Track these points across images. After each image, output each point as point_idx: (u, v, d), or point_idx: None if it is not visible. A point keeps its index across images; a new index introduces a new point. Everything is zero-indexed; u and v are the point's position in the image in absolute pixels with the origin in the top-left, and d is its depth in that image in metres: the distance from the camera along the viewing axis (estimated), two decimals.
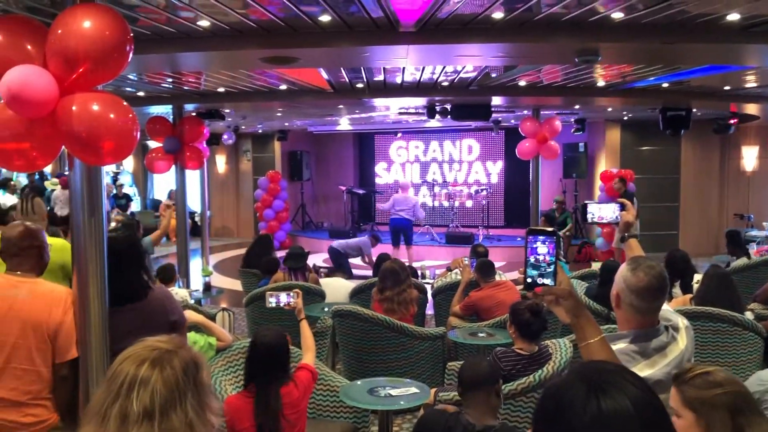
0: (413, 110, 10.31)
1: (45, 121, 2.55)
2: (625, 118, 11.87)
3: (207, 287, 8.12)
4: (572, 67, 6.37)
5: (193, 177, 8.80)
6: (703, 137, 12.00)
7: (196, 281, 8.60)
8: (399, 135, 15.17)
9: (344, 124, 13.43)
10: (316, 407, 3.89)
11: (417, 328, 4.99)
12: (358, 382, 3.89)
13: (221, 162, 15.87)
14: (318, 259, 10.95)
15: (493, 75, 7.22)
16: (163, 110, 8.87)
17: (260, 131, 14.72)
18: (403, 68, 6.65)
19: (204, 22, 4.57)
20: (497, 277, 5.67)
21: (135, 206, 14.63)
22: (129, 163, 15.66)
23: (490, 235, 13.01)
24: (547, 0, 4.11)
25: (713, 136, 11.74)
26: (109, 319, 2.74)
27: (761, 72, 6.75)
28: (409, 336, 4.85)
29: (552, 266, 1.64)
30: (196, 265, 9.20)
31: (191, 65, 6.20)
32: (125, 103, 2.68)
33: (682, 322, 2.12)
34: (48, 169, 13.05)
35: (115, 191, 13.29)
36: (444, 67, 6.70)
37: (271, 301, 3.66)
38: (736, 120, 10.41)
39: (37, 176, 12.29)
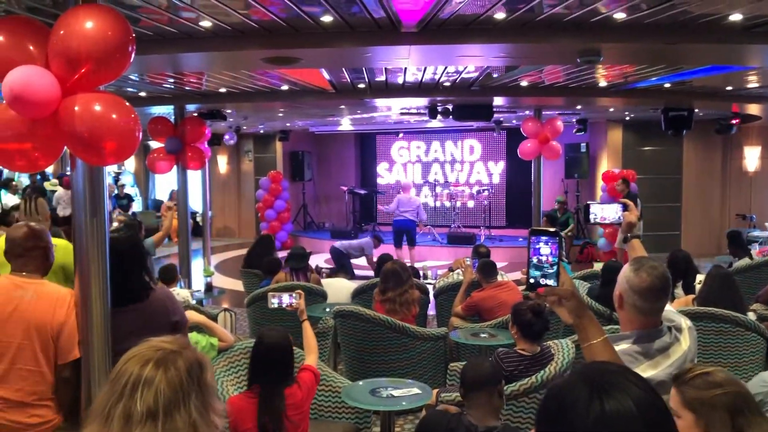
0: (415, 110, 10.31)
1: (47, 122, 2.55)
2: (627, 118, 11.85)
3: (208, 288, 8.10)
4: (574, 67, 6.36)
5: (194, 177, 8.79)
6: (706, 137, 11.99)
7: (198, 281, 8.60)
8: (401, 135, 15.15)
9: (346, 124, 13.43)
10: (318, 408, 3.88)
11: (419, 328, 4.99)
12: (360, 383, 3.88)
13: (223, 162, 15.89)
14: (320, 259, 10.95)
15: (495, 75, 7.22)
16: (165, 110, 8.90)
17: (262, 131, 14.72)
18: (405, 68, 6.65)
19: (206, 23, 4.58)
20: (499, 278, 5.66)
21: (136, 206, 14.64)
22: (130, 164, 15.67)
23: (491, 235, 13.01)
24: (549, 0, 4.11)
25: (715, 137, 11.72)
26: (111, 320, 2.74)
27: (763, 72, 6.74)
28: (411, 336, 4.84)
29: (555, 267, 1.64)
30: (197, 265, 9.20)
31: (193, 66, 6.20)
32: (127, 104, 2.67)
33: (685, 322, 2.12)
34: (50, 170, 13.06)
35: (116, 191, 13.29)
36: (446, 68, 6.70)
37: (274, 302, 3.66)
38: (738, 120, 10.39)
39: (39, 176, 12.31)
